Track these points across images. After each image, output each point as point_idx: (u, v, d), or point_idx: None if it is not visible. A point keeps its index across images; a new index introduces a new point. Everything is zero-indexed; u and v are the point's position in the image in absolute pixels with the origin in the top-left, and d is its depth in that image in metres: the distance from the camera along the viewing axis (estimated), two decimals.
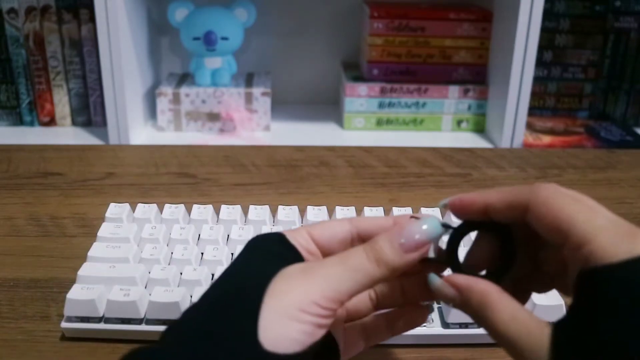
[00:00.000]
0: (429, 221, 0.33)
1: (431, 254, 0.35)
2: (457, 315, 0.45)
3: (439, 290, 0.33)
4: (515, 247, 0.34)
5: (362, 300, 0.38)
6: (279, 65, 1.14)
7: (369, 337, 0.38)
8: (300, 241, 0.35)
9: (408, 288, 0.37)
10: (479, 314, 0.31)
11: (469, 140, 1.03)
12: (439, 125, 1.06)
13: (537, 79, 1.05)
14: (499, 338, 0.30)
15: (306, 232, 0.35)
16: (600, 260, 0.27)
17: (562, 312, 0.45)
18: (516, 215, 0.32)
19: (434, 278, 0.34)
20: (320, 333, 0.31)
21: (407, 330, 0.38)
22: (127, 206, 0.58)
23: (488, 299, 0.31)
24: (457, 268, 0.34)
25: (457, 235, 0.35)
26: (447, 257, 0.35)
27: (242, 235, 0.54)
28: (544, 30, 0.95)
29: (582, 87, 1.10)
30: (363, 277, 0.31)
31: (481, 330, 0.46)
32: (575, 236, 0.28)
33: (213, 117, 1.02)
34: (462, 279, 0.32)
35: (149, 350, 0.29)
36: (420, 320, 0.38)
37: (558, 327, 0.28)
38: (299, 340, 0.30)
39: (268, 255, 0.34)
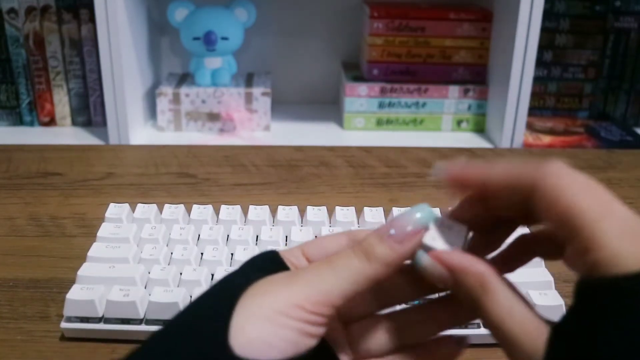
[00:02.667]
0: (420, 209, 0.31)
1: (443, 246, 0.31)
2: None
3: (427, 271, 0.30)
4: None
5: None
6: (279, 65, 1.14)
7: None
8: (291, 260, 0.34)
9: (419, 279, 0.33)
10: (473, 299, 0.28)
11: (469, 140, 1.02)
12: (439, 125, 1.06)
13: (537, 79, 1.05)
14: (492, 329, 0.28)
15: (299, 250, 0.34)
16: (605, 271, 0.24)
17: (562, 312, 0.45)
18: (517, 200, 0.28)
19: (421, 256, 0.30)
20: (308, 342, 0.29)
21: None
22: (126, 206, 0.58)
23: (486, 285, 0.28)
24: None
25: None
26: None
27: (242, 235, 0.54)
28: (544, 30, 0.95)
29: (582, 87, 1.10)
30: (353, 276, 0.29)
31: (481, 331, 0.46)
32: (583, 240, 0.25)
33: (213, 117, 1.02)
34: (457, 258, 0.29)
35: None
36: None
37: (556, 334, 0.26)
38: (278, 347, 0.27)
39: (254, 268, 0.32)
